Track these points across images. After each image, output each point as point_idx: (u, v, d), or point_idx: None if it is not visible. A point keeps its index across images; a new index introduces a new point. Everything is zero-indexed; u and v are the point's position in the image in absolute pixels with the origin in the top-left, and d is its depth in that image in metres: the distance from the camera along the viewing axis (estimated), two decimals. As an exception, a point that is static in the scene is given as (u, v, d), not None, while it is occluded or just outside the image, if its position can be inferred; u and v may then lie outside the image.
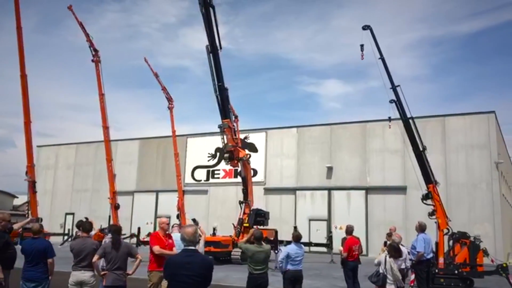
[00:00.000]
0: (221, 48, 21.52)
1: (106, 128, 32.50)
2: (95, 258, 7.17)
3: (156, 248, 7.90)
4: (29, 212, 33.97)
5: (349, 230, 11.38)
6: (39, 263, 7.51)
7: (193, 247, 4.75)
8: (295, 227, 19.12)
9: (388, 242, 8.75)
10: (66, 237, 34.60)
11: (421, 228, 11.68)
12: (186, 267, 4.57)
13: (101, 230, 22.38)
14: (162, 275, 6.93)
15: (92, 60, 31.55)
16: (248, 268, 7.87)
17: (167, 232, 8.57)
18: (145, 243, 21.28)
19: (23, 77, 31.60)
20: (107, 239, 10.57)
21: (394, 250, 8.11)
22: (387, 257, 7.98)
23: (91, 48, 31.36)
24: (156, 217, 36.82)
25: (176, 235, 9.58)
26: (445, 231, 14.69)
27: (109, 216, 32.46)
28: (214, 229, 22.93)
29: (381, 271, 7.94)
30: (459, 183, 28.25)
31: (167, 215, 35.33)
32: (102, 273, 7.23)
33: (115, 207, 32.71)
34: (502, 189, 30.25)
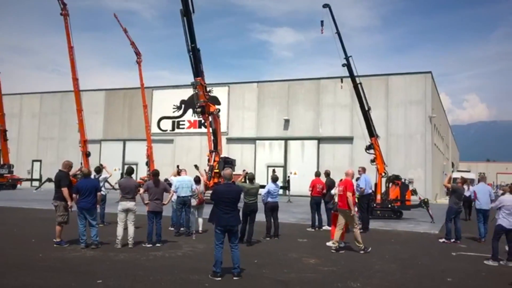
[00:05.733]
0: (194, 11, 23.49)
1: (75, 80, 33.86)
2: (141, 191, 10.09)
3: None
4: (1, 159, 35.58)
5: (316, 173, 14.80)
6: (90, 196, 10.20)
7: (230, 182, 7.81)
8: (274, 170, 22.57)
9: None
10: (40, 182, 36.47)
11: (363, 170, 15.20)
12: (228, 192, 7.65)
13: (73, 175, 24.74)
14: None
15: (61, 14, 32.43)
16: (244, 199, 10.99)
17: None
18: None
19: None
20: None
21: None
22: (341, 191, 11.34)
23: (60, 2, 32.18)
24: (124, 163, 39.25)
25: (181, 178, 12.55)
26: (383, 174, 18.44)
27: (81, 163, 34.53)
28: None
29: (337, 200, 11.31)
30: (398, 134, 32.55)
31: (135, 162, 38.01)
32: (146, 202, 10.16)
33: (86, 154, 34.85)
34: (435, 139, 34.96)
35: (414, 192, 20.22)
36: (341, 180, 12.17)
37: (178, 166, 20.28)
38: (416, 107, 32.48)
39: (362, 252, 10.19)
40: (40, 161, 42.21)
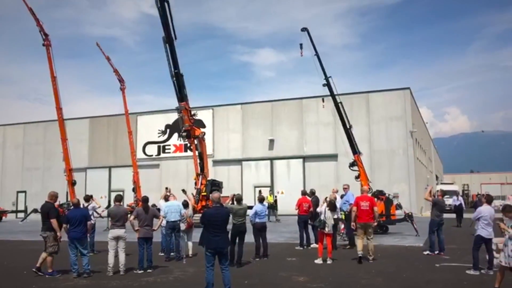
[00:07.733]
0: (176, 38, 23.95)
1: (59, 109, 33.93)
2: (131, 218, 10.27)
3: None
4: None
5: (302, 192, 15.14)
6: (80, 226, 10.34)
7: (219, 204, 8.07)
8: (260, 191, 22.87)
9: (328, 199, 12.35)
10: (25, 214, 36.07)
11: (348, 188, 15.58)
12: (217, 215, 7.91)
13: (60, 205, 24.66)
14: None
15: (43, 44, 32.65)
16: (232, 220, 11.22)
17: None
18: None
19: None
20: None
21: (331, 205, 11.79)
22: (327, 209, 11.65)
23: (41, 33, 32.42)
24: (110, 190, 39.07)
25: (170, 202, 12.75)
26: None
27: (67, 192, 34.35)
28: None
29: (322, 218, 11.62)
30: (380, 150, 33.15)
31: (121, 189, 37.84)
32: (136, 228, 10.34)
33: (72, 183, 34.67)
34: (417, 153, 35.64)
35: (398, 206, 20.63)
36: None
37: (166, 188, 20.41)
38: (397, 123, 33.18)
39: (371, 261, 11.30)
40: (25, 192, 41.81)
